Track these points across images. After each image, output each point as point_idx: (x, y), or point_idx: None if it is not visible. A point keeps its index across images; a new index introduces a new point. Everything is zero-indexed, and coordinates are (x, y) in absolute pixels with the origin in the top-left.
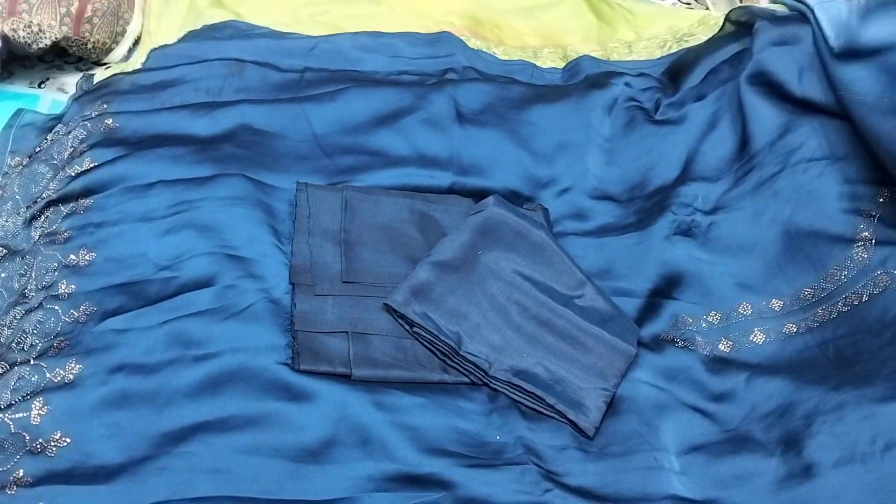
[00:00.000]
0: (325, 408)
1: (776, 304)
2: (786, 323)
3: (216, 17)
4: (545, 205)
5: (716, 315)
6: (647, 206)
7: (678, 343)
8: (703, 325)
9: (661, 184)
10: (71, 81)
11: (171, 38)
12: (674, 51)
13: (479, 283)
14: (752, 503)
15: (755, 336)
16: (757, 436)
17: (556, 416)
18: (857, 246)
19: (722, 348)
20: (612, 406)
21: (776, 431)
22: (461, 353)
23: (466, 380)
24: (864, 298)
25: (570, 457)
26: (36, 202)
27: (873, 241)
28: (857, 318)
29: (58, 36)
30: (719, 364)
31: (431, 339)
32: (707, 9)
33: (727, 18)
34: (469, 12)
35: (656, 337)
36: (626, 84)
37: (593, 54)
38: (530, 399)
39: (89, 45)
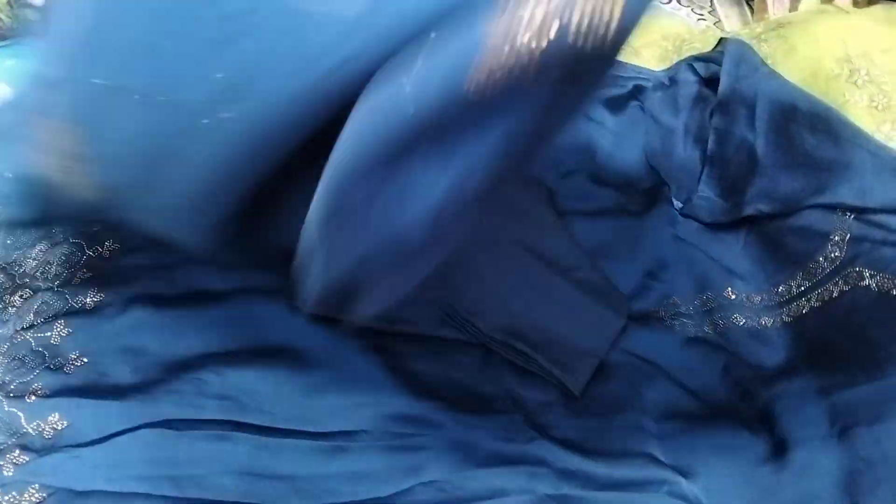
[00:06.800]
0: (329, 347)
1: (756, 297)
2: (762, 316)
3: None
4: (549, 183)
5: (702, 298)
6: (644, 198)
7: (665, 321)
8: (690, 307)
9: (658, 180)
10: None
11: None
12: (675, 62)
13: (480, 248)
14: (727, 475)
15: (736, 320)
16: (738, 412)
17: (545, 375)
18: (832, 244)
19: (707, 330)
20: (600, 371)
21: (753, 410)
22: (459, 310)
23: (462, 336)
24: (835, 294)
25: (556, 412)
26: None
27: (846, 238)
28: (827, 313)
29: None
30: (703, 344)
31: None
32: (718, 21)
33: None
34: None
35: (644, 313)
36: (635, 85)
37: None
38: (521, 358)
39: None
